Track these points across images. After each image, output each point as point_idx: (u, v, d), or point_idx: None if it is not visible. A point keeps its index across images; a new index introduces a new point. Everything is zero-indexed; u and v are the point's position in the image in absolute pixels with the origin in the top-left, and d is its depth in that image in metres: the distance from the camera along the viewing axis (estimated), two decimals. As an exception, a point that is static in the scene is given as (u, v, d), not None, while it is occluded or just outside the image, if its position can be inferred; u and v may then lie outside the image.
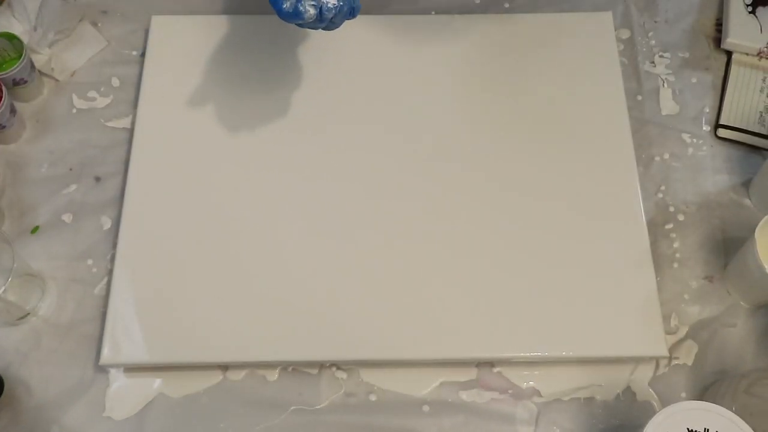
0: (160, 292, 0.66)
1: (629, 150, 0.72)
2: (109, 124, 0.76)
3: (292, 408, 0.64)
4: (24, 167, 0.74)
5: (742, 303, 0.68)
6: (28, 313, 0.66)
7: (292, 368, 0.65)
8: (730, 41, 0.78)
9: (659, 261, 0.69)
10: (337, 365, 0.65)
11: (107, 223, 0.71)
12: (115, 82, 0.78)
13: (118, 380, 0.65)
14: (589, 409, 0.64)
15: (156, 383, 0.64)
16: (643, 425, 0.53)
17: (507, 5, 0.82)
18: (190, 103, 0.74)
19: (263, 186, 0.70)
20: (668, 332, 0.66)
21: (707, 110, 0.77)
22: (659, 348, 0.64)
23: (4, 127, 0.72)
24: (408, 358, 0.64)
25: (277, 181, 0.70)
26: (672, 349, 0.66)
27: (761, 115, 0.75)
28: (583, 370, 0.65)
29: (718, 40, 0.80)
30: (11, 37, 0.73)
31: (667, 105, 0.77)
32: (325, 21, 0.59)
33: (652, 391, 0.65)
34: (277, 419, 0.63)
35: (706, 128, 0.76)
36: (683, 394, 0.64)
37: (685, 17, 0.82)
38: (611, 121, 0.73)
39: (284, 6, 0.58)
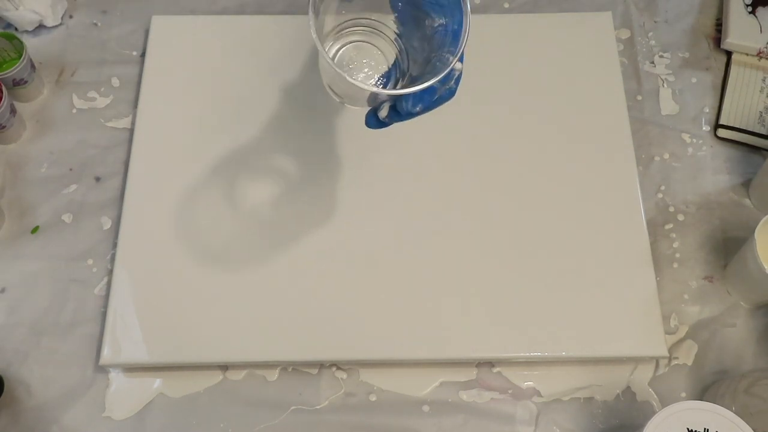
0: (160, 292, 0.66)
1: (629, 150, 0.72)
2: (109, 124, 0.76)
3: (292, 408, 0.64)
4: (24, 167, 0.74)
5: (742, 303, 0.68)
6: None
7: (292, 368, 0.65)
8: (730, 41, 0.78)
9: (659, 261, 0.69)
10: (337, 365, 0.65)
11: (107, 223, 0.71)
12: (115, 82, 0.78)
13: (118, 380, 0.65)
14: (589, 409, 0.64)
15: (156, 383, 0.64)
16: (643, 425, 0.53)
17: (507, 5, 0.82)
18: (190, 103, 0.74)
19: (263, 186, 0.70)
20: (668, 332, 0.66)
21: (707, 110, 0.77)
22: (659, 348, 0.64)
23: (4, 127, 0.72)
24: (408, 358, 0.64)
25: (277, 180, 0.70)
26: (672, 349, 0.66)
27: (761, 115, 0.75)
28: (583, 370, 0.65)
29: (718, 40, 0.80)
30: (11, 37, 0.73)
31: (667, 105, 0.77)
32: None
33: (652, 391, 0.65)
34: (277, 419, 0.63)
35: (706, 128, 0.76)
36: (683, 394, 0.64)
37: (685, 17, 0.82)
38: (611, 121, 0.73)
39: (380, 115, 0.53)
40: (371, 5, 0.57)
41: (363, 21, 0.58)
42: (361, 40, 0.58)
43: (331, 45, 0.58)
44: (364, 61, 0.58)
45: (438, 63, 0.51)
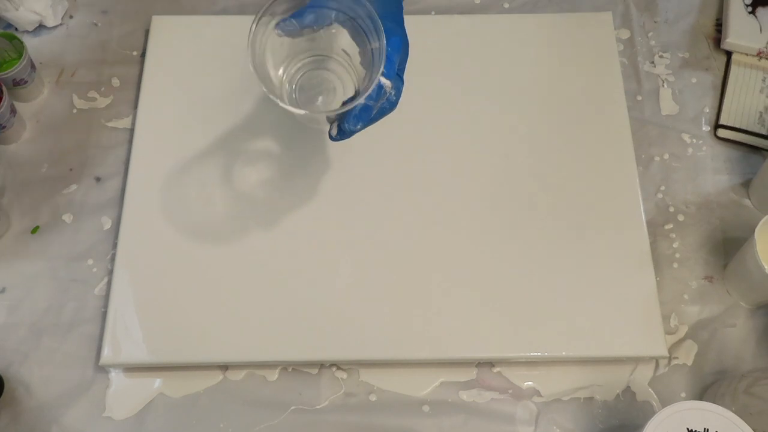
0: (160, 292, 0.66)
1: (629, 150, 0.72)
2: (109, 124, 0.76)
3: (292, 408, 0.64)
4: (24, 167, 0.74)
5: (742, 303, 0.68)
6: None
7: (292, 368, 0.65)
8: (730, 41, 0.78)
9: (659, 261, 0.69)
10: (337, 365, 0.65)
11: (107, 223, 0.71)
12: (115, 82, 0.78)
13: (118, 380, 0.65)
14: (589, 409, 0.64)
15: (156, 383, 0.64)
16: (643, 425, 0.53)
17: (507, 5, 0.82)
18: (190, 103, 0.74)
19: (263, 186, 0.70)
20: (668, 332, 0.66)
21: (707, 110, 0.77)
22: (659, 348, 0.64)
23: (4, 127, 0.72)
24: (408, 358, 0.64)
25: (277, 181, 0.70)
26: (672, 349, 0.66)
27: (761, 115, 0.75)
28: (582, 370, 0.65)
29: (718, 40, 0.80)
30: (11, 37, 0.73)
31: (667, 105, 0.77)
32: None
33: (652, 391, 0.65)
34: (277, 419, 0.63)
35: (706, 128, 0.76)
36: (683, 394, 0.64)
37: (685, 17, 0.82)
38: (611, 121, 0.73)
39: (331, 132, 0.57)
40: (322, 38, 0.60)
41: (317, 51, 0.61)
42: (317, 68, 0.62)
43: (289, 72, 0.61)
44: (324, 86, 0.62)
45: (369, 84, 0.54)
